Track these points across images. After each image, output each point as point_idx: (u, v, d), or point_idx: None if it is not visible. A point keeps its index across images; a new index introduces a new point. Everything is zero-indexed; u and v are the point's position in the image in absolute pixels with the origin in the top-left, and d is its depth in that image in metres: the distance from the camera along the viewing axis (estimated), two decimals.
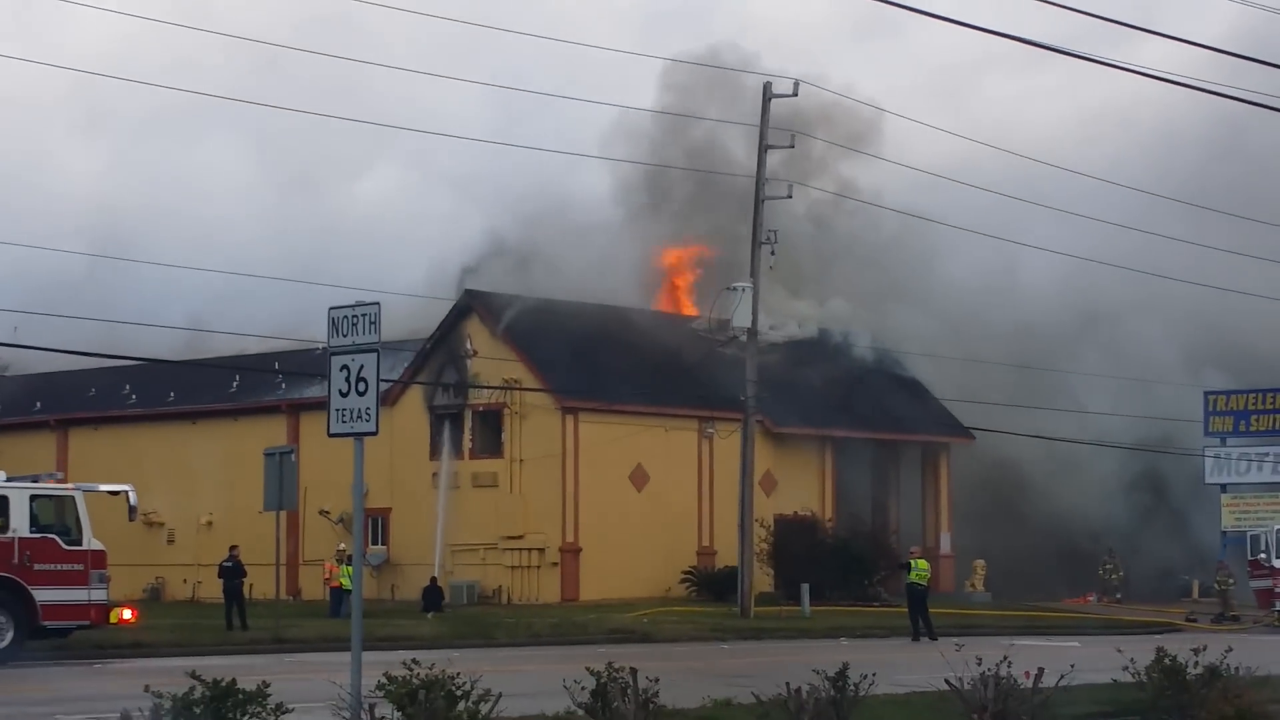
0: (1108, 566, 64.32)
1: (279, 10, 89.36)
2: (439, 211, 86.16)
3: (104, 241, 73.64)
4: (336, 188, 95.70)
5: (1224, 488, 64.59)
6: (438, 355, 60.83)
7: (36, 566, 34.09)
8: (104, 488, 37.29)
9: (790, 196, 52.37)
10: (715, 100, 61.25)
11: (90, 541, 34.91)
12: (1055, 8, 21.84)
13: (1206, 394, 66.39)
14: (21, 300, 54.00)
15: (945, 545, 68.17)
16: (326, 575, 52.34)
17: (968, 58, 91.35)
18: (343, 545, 53.21)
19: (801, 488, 63.72)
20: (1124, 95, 77.16)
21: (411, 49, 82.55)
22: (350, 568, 49.60)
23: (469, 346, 59.88)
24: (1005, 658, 18.40)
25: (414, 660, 15.99)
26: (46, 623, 34.34)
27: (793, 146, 52.69)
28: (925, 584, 45.15)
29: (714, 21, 63.71)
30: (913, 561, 45.46)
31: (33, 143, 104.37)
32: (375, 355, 18.72)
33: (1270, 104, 25.81)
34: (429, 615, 49.75)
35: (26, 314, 51.25)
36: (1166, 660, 20.00)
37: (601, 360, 60.60)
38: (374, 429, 18.70)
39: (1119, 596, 63.07)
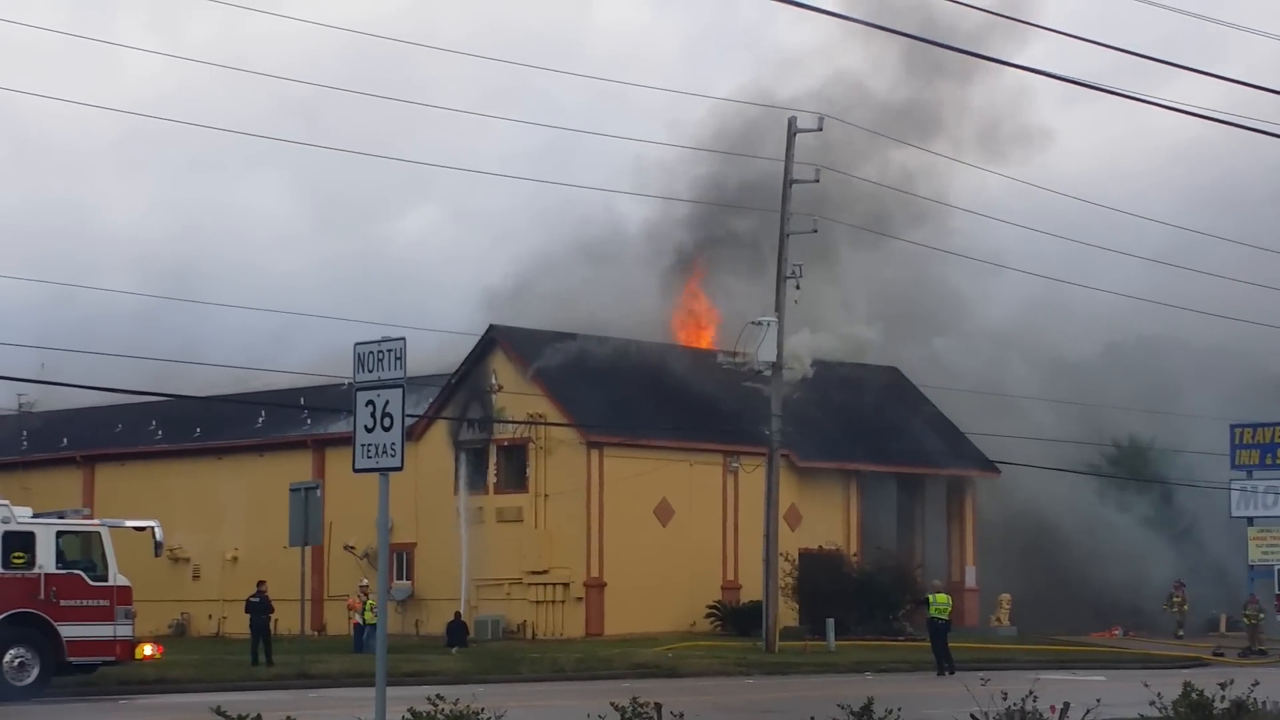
0: (1175, 600, 62.71)
1: (320, 54, 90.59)
2: (473, 248, 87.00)
3: (150, 280, 74.54)
4: (378, 226, 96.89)
5: (1251, 521, 64.28)
6: (463, 390, 60.89)
7: (62, 602, 34.14)
8: (130, 523, 37.37)
9: (815, 231, 52.39)
10: (760, 137, 61.38)
11: (116, 577, 34.97)
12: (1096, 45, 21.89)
13: (1233, 427, 66.12)
14: (58, 337, 54.40)
15: (970, 579, 67.97)
16: (350, 611, 52.37)
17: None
18: (365, 580, 53.20)
19: (826, 522, 63.61)
20: (1162, 131, 76.97)
21: (455, 89, 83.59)
22: (372, 602, 49.66)
23: (494, 381, 59.94)
24: (1031, 692, 18.36)
25: (438, 696, 16.00)
26: (72, 659, 34.37)
27: (818, 181, 52.72)
28: (946, 618, 45.06)
29: (756, 61, 64.63)
30: (931, 597, 45.45)
31: (83, 183, 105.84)
32: (401, 391, 18.77)
33: None
34: (453, 650, 49.71)
35: (55, 350, 51.51)
36: (1193, 695, 19.91)
37: (626, 395, 60.63)
38: (399, 464, 18.73)
39: (1180, 634, 60.91)
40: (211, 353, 60.72)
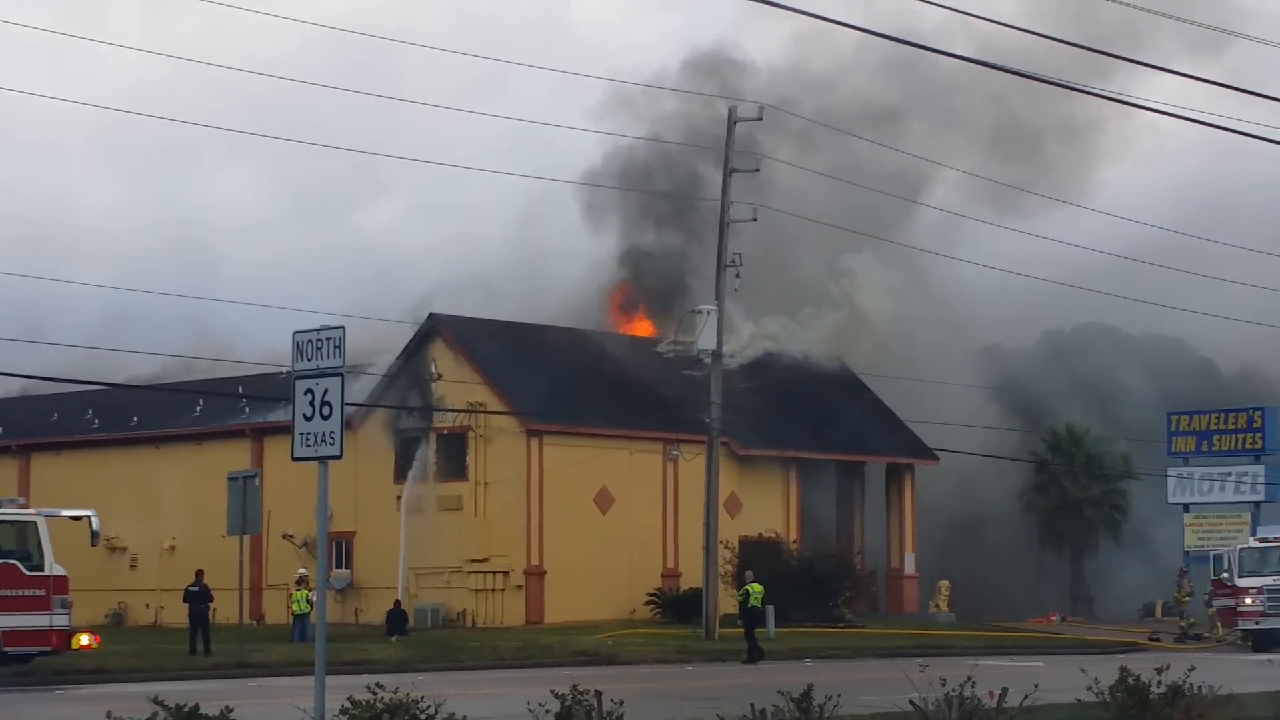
0: (1182, 586, 60.00)
1: (304, 48, 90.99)
2: (435, 239, 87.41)
3: (119, 273, 74.53)
4: (348, 218, 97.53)
5: (1187, 508, 64.76)
6: (402, 379, 60.74)
7: None
8: (66, 513, 37.11)
9: (755, 219, 52.48)
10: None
11: (52, 567, 34.73)
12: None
13: (1169, 414, 66.61)
14: (10, 329, 54.14)
15: (909, 566, 68.24)
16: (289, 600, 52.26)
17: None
18: (303, 570, 53.04)
19: (766, 509, 63.76)
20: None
21: (434, 82, 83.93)
22: (303, 592, 49.59)
23: (433, 370, 59.82)
24: (969, 678, 18.44)
25: (378, 684, 15.97)
26: (7, 649, 34.15)
27: (758, 170, 52.91)
28: (761, 606, 46.00)
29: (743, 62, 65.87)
30: (750, 588, 45.81)
31: (59, 176, 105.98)
32: (340, 379, 18.69)
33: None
34: (393, 639, 49.62)
35: None
36: (1130, 680, 20.05)
37: (566, 383, 60.63)
38: (338, 453, 18.66)
39: (1183, 623, 56.87)
40: (156, 343, 60.62)
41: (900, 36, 22.27)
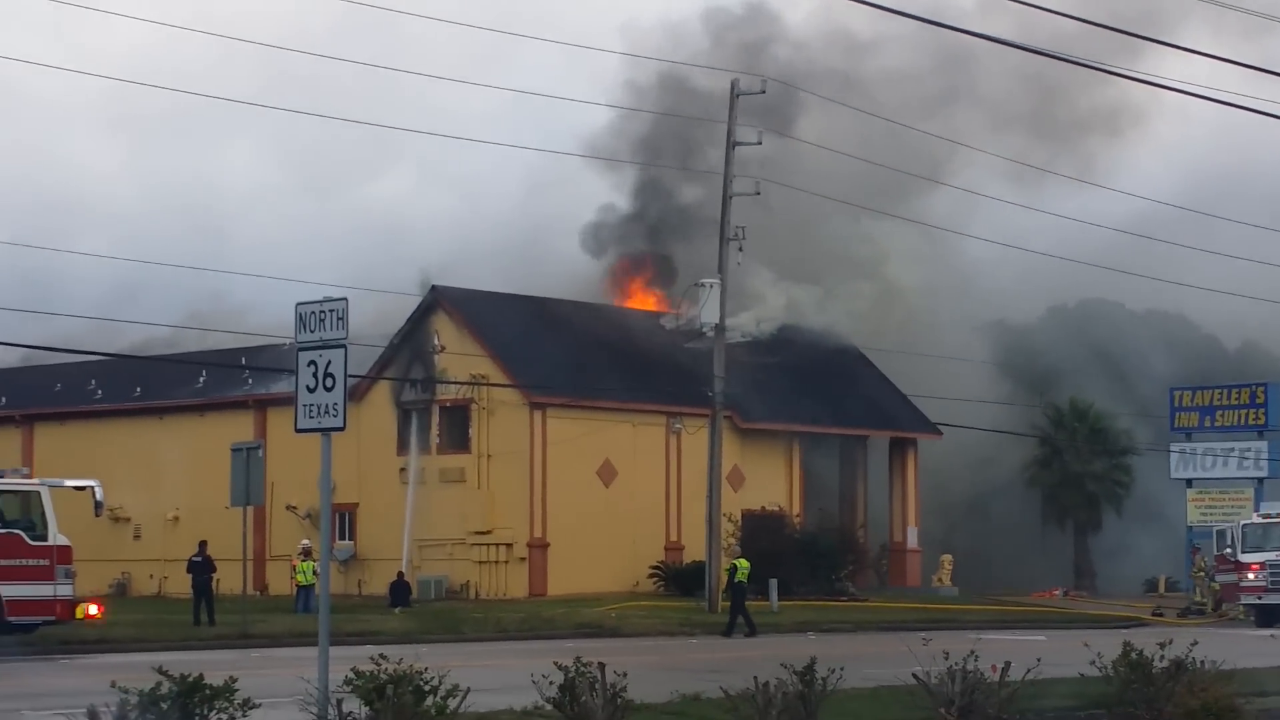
0: (1196, 562, 59.28)
1: (310, 19, 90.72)
2: (444, 211, 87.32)
3: (122, 243, 74.52)
4: (346, 189, 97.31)
5: (1190, 483, 64.75)
6: (405, 350, 60.73)
7: (1, 562, 33.95)
8: (70, 483, 37.16)
9: (759, 193, 52.42)
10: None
11: (56, 537, 34.79)
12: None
13: (1172, 390, 66.57)
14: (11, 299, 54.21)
15: (913, 540, 68.28)
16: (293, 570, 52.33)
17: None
18: (306, 541, 53.07)
19: (769, 482, 63.76)
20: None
21: (441, 53, 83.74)
22: (309, 563, 49.64)
23: (436, 342, 59.80)
24: (972, 652, 18.46)
25: (381, 655, 15.98)
26: (12, 618, 34.21)
27: (760, 143, 52.78)
28: (747, 581, 45.76)
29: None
30: (737, 563, 45.73)
31: (62, 145, 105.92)
32: (343, 351, 18.68)
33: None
34: (396, 611, 49.67)
35: None
36: (1133, 654, 20.08)
37: (570, 356, 60.60)
38: (341, 424, 18.65)
39: (1192, 600, 57.39)
40: (164, 313, 60.71)
41: (922, 15, 22.13)
